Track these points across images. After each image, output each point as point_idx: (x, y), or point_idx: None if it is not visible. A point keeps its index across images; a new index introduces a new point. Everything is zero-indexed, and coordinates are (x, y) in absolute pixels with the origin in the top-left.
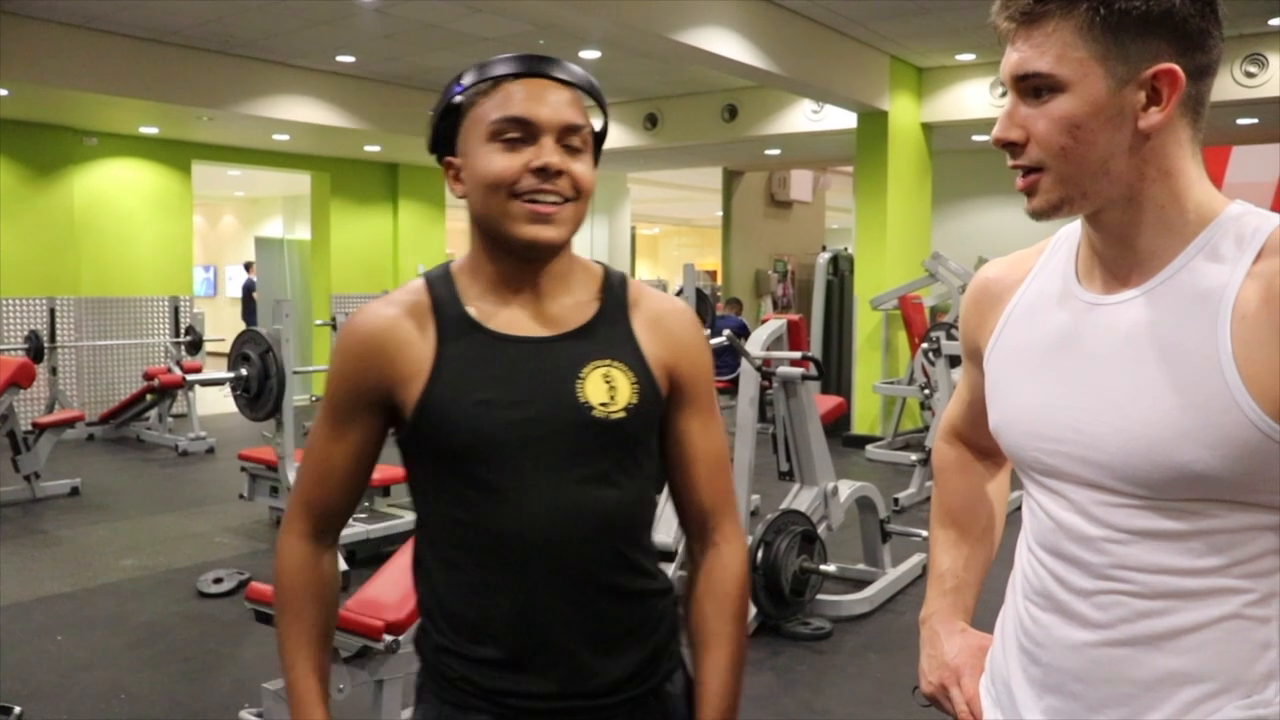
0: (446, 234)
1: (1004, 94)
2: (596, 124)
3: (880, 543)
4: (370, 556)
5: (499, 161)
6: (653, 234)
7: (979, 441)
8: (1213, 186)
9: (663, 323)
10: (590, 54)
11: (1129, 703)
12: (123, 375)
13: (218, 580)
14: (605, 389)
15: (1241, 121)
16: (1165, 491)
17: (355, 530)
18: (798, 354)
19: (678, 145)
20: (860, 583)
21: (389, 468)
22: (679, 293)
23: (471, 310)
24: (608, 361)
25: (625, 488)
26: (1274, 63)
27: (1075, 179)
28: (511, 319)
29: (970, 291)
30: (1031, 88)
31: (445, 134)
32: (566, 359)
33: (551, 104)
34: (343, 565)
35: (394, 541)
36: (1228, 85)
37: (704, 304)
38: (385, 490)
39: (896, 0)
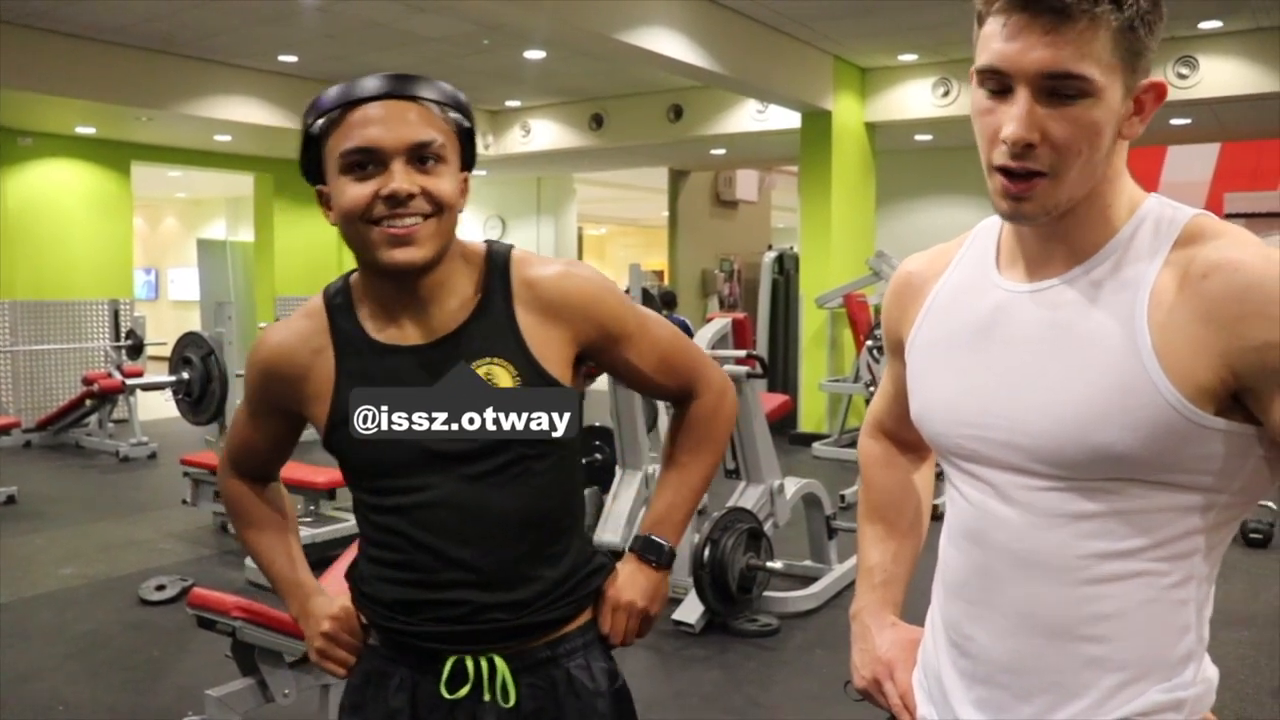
0: None
1: (947, 93)
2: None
3: (826, 539)
4: (316, 561)
5: (350, 192)
6: (600, 234)
7: (903, 435)
8: (1133, 180)
9: (546, 297)
10: (535, 54)
11: (1054, 690)
12: (60, 380)
13: (160, 587)
14: None
15: (1175, 122)
16: (1086, 472)
17: (300, 535)
18: (743, 352)
19: (623, 145)
20: (807, 579)
21: (334, 471)
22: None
23: (364, 325)
24: (487, 360)
25: (526, 483)
26: (1204, 65)
27: (1078, 184)
28: (399, 331)
29: (892, 285)
30: (1059, 88)
31: (312, 163)
32: (448, 362)
33: (393, 126)
34: None
35: (339, 545)
36: None
37: (650, 304)
38: (330, 494)
39: (840, 1)
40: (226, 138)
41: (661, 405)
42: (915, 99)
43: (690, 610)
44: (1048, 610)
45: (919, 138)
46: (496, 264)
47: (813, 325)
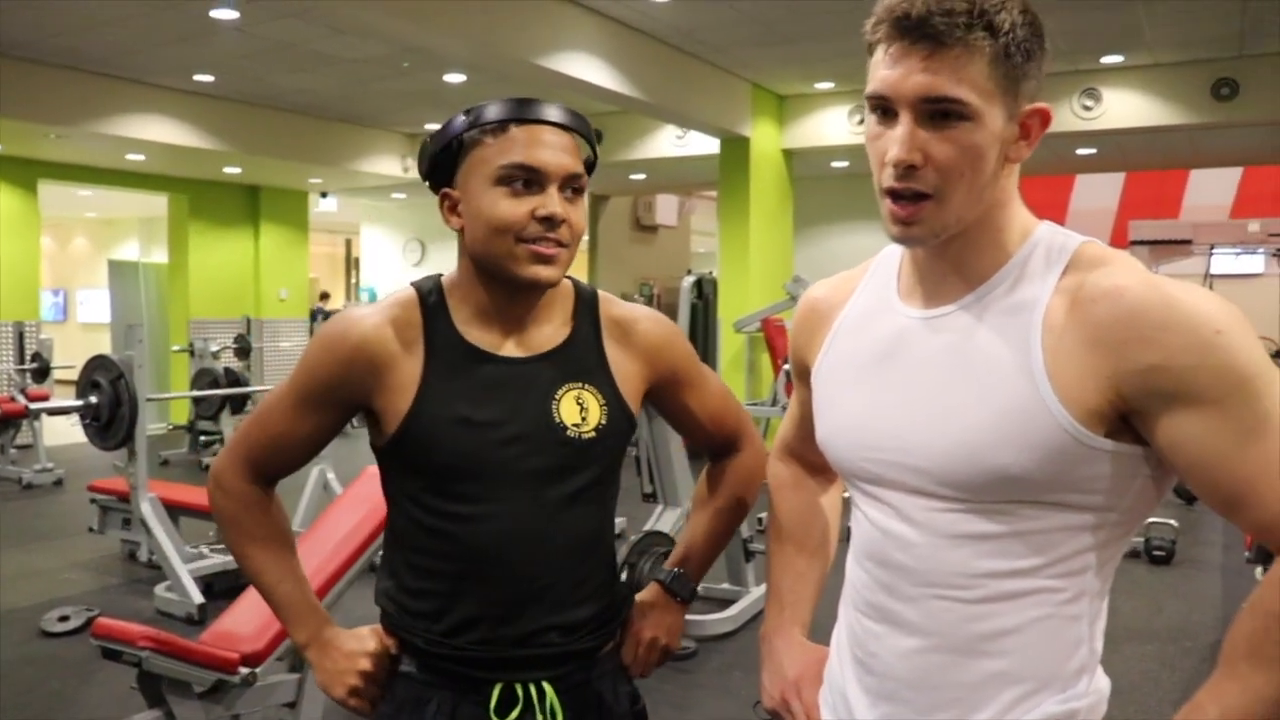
0: (310, 258)
1: (862, 120)
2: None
3: (744, 561)
4: (229, 588)
5: (505, 207)
6: None
7: (811, 458)
8: (1026, 208)
9: (632, 334)
10: (455, 78)
11: (956, 706)
12: None
13: (64, 618)
14: (577, 410)
15: (1081, 152)
16: (983, 494)
17: (212, 562)
18: None
19: None
20: (724, 601)
21: None
22: None
23: (463, 330)
24: (580, 384)
25: (592, 511)
26: (1107, 97)
27: (965, 206)
28: (496, 341)
29: (798, 311)
30: (939, 112)
31: (443, 166)
32: (543, 380)
33: (556, 152)
34: (199, 598)
35: None
36: (1067, 118)
37: None
38: None
39: (758, 29)
40: (140, 157)
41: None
42: (832, 126)
43: None
44: (949, 628)
45: (836, 164)
46: (585, 298)
47: (731, 349)
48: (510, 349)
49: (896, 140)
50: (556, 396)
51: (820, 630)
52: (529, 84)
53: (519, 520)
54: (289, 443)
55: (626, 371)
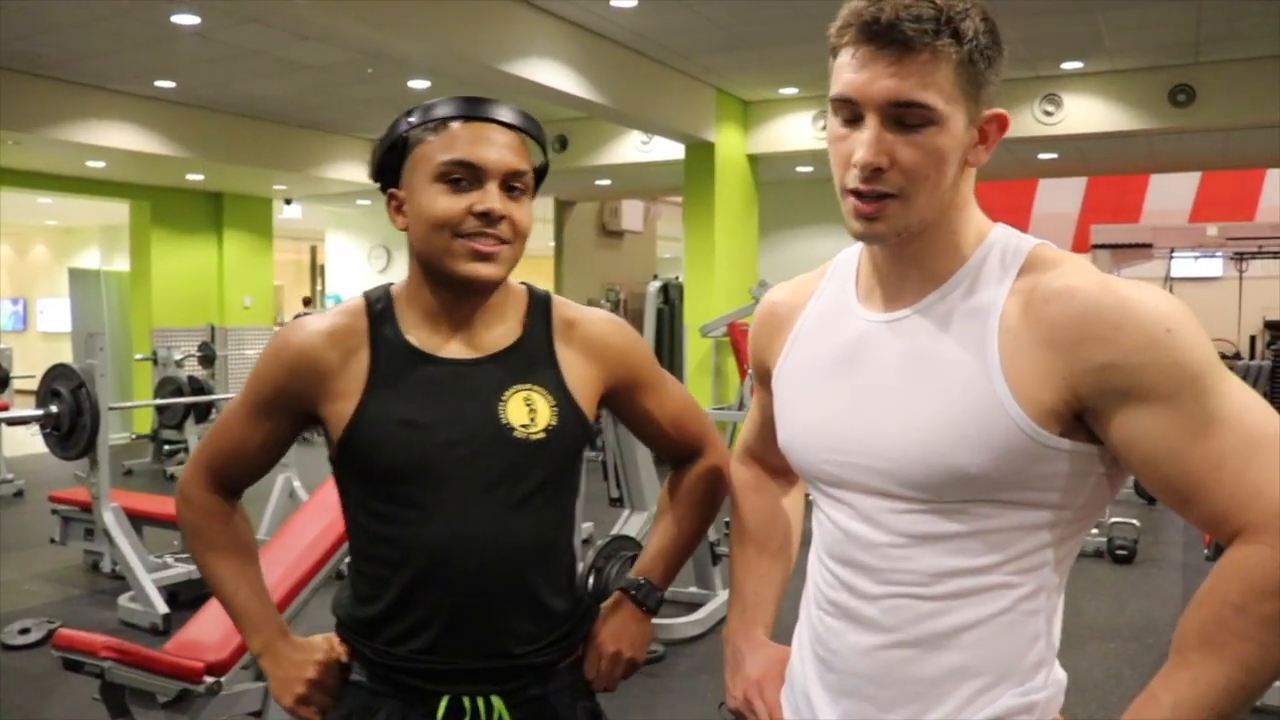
0: (275, 265)
1: (824, 126)
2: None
3: (711, 565)
4: (194, 598)
5: (443, 202)
6: None
7: (772, 461)
8: (981, 211)
9: (587, 337)
10: (419, 83)
11: (917, 700)
12: None
13: (24, 631)
14: (526, 411)
15: (1043, 156)
16: (943, 494)
17: (176, 571)
18: None
19: None
20: (692, 605)
21: None
22: None
23: (407, 334)
24: (528, 385)
25: (545, 516)
26: (1068, 103)
27: (925, 208)
28: (443, 344)
29: (758, 316)
30: (905, 116)
31: (390, 166)
32: (490, 381)
33: (497, 149)
34: (164, 608)
35: None
36: (1029, 123)
37: None
38: None
39: (722, 35)
40: (100, 164)
41: None
42: (796, 131)
43: None
44: (909, 624)
45: (800, 169)
46: (538, 301)
47: (697, 354)
48: (456, 350)
49: (863, 143)
50: (504, 398)
51: (783, 631)
52: (494, 89)
53: (466, 525)
54: (245, 451)
55: (580, 374)
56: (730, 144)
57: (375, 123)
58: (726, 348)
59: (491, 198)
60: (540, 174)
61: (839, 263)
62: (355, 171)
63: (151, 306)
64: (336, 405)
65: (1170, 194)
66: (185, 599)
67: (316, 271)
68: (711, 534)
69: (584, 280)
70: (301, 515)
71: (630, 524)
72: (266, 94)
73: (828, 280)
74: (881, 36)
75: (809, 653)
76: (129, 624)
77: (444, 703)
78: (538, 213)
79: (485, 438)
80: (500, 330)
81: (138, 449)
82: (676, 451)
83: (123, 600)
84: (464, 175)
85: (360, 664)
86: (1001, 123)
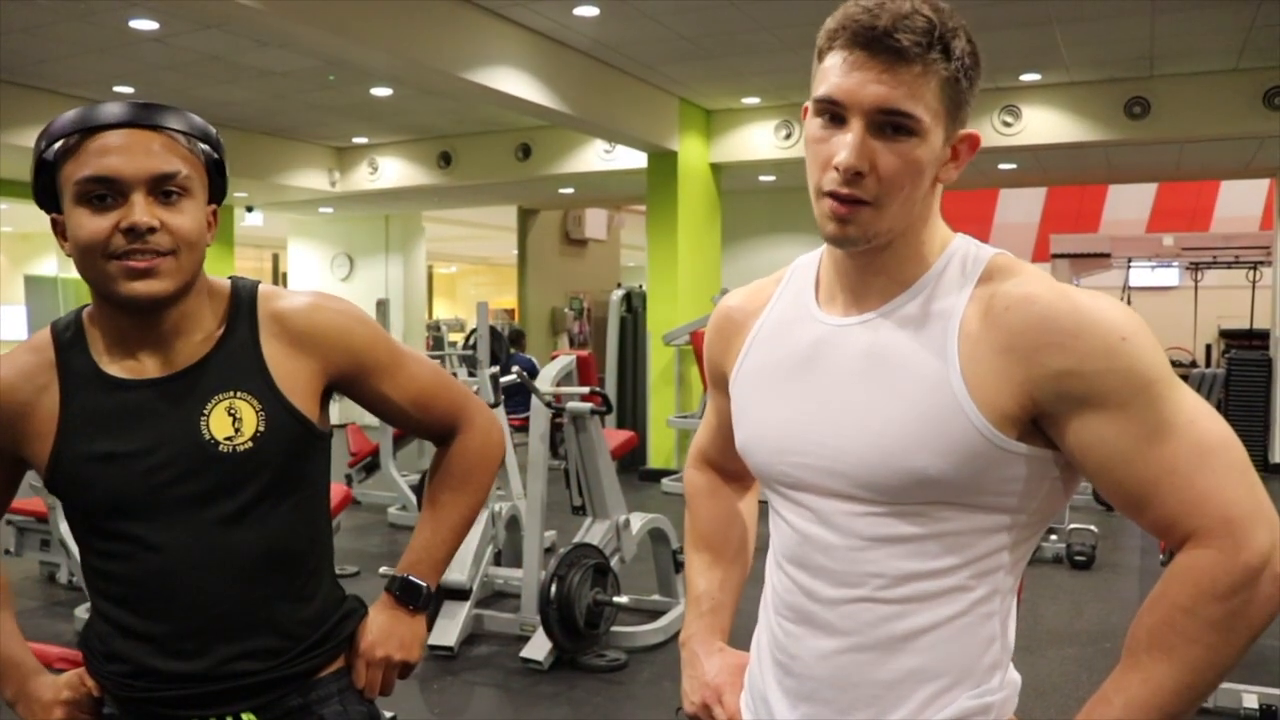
0: (236, 272)
1: (789, 135)
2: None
3: (674, 573)
4: None
5: (88, 225)
6: (450, 273)
7: (727, 465)
8: (945, 223)
9: (297, 328)
10: (382, 91)
11: (875, 704)
12: None
13: None
14: (229, 422)
15: (1003, 166)
16: (902, 496)
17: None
18: (586, 389)
19: (472, 184)
20: (654, 613)
21: None
22: (473, 332)
23: (98, 360)
24: (231, 393)
25: (268, 523)
26: (1027, 114)
27: (898, 217)
28: (136, 366)
29: (714, 321)
30: (890, 124)
31: (45, 190)
32: (189, 397)
33: (132, 156)
34: None
35: None
36: (988, 133)
37: (498, 342)
38: None
39: (684, 45)
40: None
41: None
42: (759, 141)
43: (538, 647)
44: (867, 627)
45: (763, 178)
46: (242, 298)
47: (660, 362)
48: (151, 370)
49: (847, 146)
50: (205, 411)
51: (740, 635)
52: (456, 97)
53: (179, 551)
54: None
55: (290, 369)
56: (693, 153)
57: (338, 130)
58: (690, 356)
59: (136, 211)
60: (216, 168)
61: (796, 268)
62: (317, 179)
63: None
64: (36, 446)
65: (1128, 204)
66: None
67: (279, 279)
68: (674, 542)
69: (547, 288)
70: None
71: (592, 532)
72: (227, 100)
73: (785, 285)
74: (876, 43)
75: (768, 657)
76: None
77: None
78: (502, 220)
79: (187, 457)
80: (198, 338)
81: None
82: (429, 433)
83: (79, 611)
84: (105, 190)
85: (109, 697)
86: (973, 143)
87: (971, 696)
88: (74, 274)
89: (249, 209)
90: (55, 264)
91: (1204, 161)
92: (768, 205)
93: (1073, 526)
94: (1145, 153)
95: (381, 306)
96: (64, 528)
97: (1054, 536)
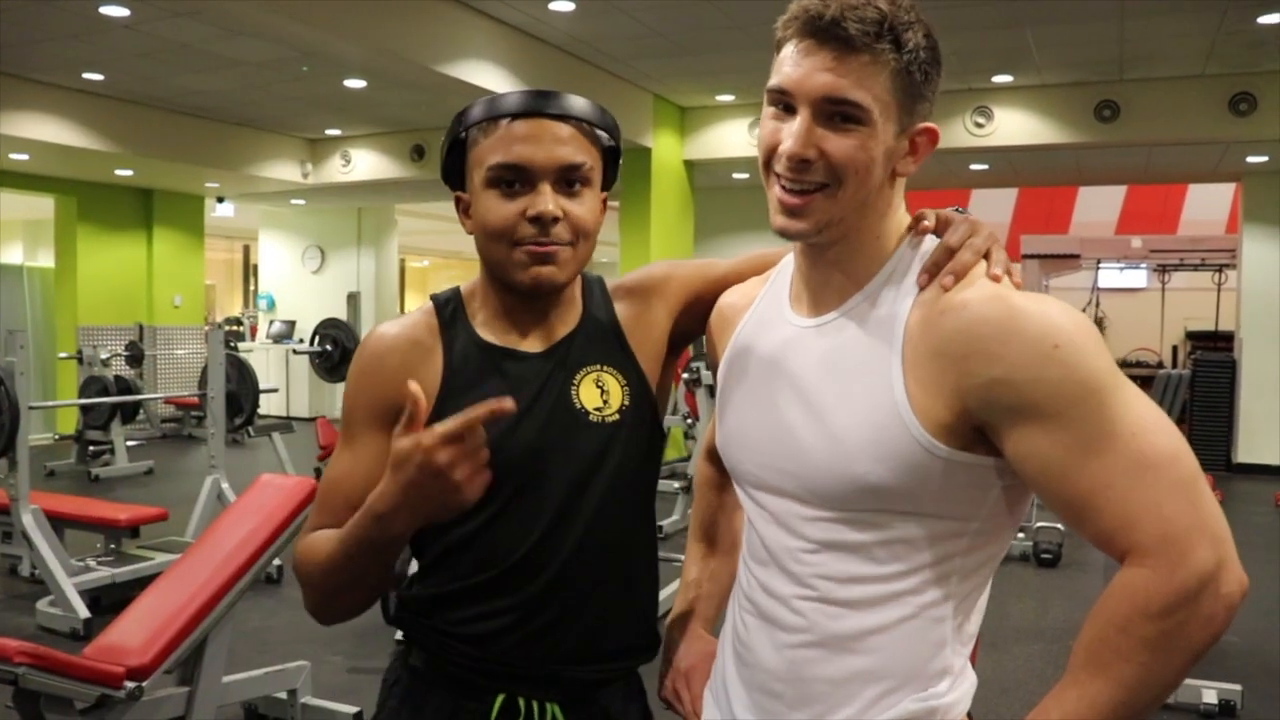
0: (206, 264)
1: (753, 121)
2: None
3: None
4: (117, 602)
5: (496, 210)
6: (422, 266)
7: None
8: (909, 219)
9: (637, 280)
10: (355, 83)
11: (823, 700)
12: None
13: None
14: (598, 394)
15: (974, 167)
16: (848, 503)
17: (99, 575)
18: None
19: None
20: None
21: (138, 508)
22: None
23: (479, 331)
24: (597, 367)
25: (627, 494)
26: (999, 115)
27: (849, 205)
28: (517, 338)
29: (711, 317)
30: (837, 113)
31: (453, 168)
32: (559, 368)
33: (548, 146)
34: (85, 612)
35: (141, 586)
36: (960, 134)
37: None
38: (134, 532)
39: (658, 41)
40: (23, 156)
41: None
42: (732, 138)
43: None
44: (818, 626)
45: (737, 176)
46: (591, 283)
47: None
48: (530, 344)
49: (792, 134)
50: (575, 382)
51: None
52: (430, 90)
53: (552, 519)
54: (356, 494)
55: (643, 326)
56: (667, 149)
57: (310, 121)
58: None
59: (544, 200)
60: (613, 159)
61: (782, 267)
62: (289, 170)
63: (77, 304)
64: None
65: (1098, 206)
66: (108, 603)
67: (250, 271)
68: None
69: None
70: (227, 518)
71: None
72: (199, 89)
73: (770, 285)
74: (824, 33)
75: (729, 648)
76: (48, 629)
77: (499, 701)
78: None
79: (558, 423)
80: (571, 316)
81: (62, 450)
82: None
83: (41, 605)
84: (514, 178)
85: (419, 651)
86: (932, 136)
87: (916, 700)
88: (41, 263)
89: (220, 199)
90: (20, 253)
91: (1172, 165)
92: (741, 202)
93: (1039, 525)
94: (1114, 155)
95: (353, 300)
96: (27, 520)
97: (1021, 534)
